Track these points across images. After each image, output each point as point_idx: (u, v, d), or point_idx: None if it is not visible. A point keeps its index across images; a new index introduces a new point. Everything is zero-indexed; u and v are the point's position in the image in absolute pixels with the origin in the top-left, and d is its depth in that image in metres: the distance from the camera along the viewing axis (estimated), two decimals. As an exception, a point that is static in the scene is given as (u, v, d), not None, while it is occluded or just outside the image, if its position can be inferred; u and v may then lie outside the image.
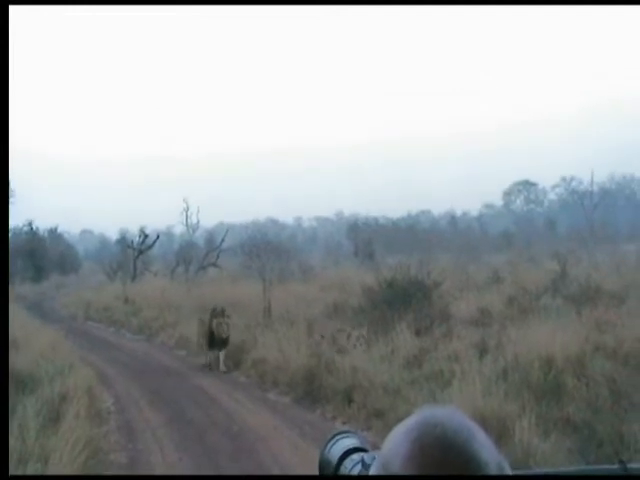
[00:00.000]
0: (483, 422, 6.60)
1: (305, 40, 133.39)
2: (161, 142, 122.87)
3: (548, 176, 77.89)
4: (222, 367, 12.21)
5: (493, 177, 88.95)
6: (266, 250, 32.79)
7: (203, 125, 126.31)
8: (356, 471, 1.03)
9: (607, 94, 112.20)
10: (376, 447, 0.88)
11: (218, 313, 12.57)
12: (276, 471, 6.64)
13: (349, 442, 1.11)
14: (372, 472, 0.72)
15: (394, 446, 0.69)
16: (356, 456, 1.06)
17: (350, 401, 8.81)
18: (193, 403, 9.92)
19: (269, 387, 10.59)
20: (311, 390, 9.64)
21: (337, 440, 1.13)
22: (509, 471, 0.71)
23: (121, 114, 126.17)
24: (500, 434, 6.48)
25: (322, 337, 11.35)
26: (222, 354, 12.32)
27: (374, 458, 0.96)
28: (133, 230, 36.72)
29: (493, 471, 0.67)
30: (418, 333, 11.40)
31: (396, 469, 0.67)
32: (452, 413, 0.71)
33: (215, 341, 12.42)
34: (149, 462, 7.33)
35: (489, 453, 0.68)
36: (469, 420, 0.72)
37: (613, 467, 1.16)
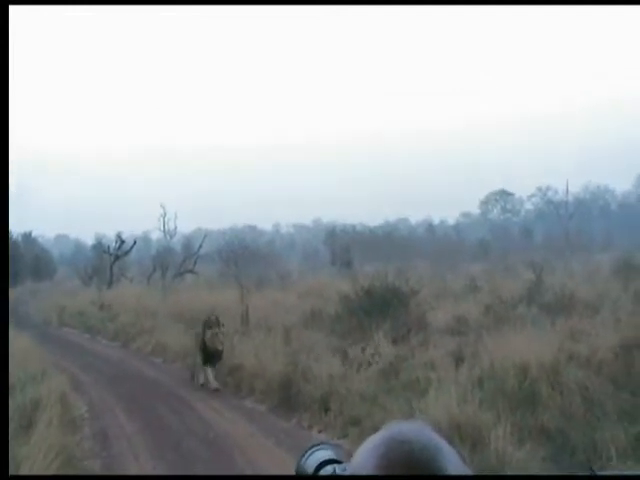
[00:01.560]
0: (458, 430, 6.68)
1: (302, 39, 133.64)
2: (138, 148, 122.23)
3: (524, 186, 78.75)
4: (213, 384, 10.98)
5: (470, 186, 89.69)
6: (244, 256, 32.75)
7: (181, 132, 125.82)
8: None
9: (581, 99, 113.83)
10: (351, 457, 0.89)
11: (213, 323, 11.31)
12: None
13: (324, 454, 1.14)
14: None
15: (362, 461, 0.69)
16: (330, 467, 1.09)
17: (327, 409, 8.81)
18: (169, 410, 9.84)
19: (245, 394, 10.54)
20: (288, 398, 9.62)
21: (313, 452, 1.16)
22: None
23: (98, 118, 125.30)
24: (475, 442, 6.52)
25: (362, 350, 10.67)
26: (211, 370, 11.12)
27: (345, 469, 1.01)
28: (109, 235, 36.44)
29: (461, 468, 0.69)
30: (395, 341, 11.44)
31: None
32: (420, 429, 0.72)
33: (209, 354, 11.14)
34: (124, 470, 7.26)
35: (456, 469, 0.69)
36: (437, 436, 0.72)
37: (583, 475, 1.19)
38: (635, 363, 8.49)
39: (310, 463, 1.14)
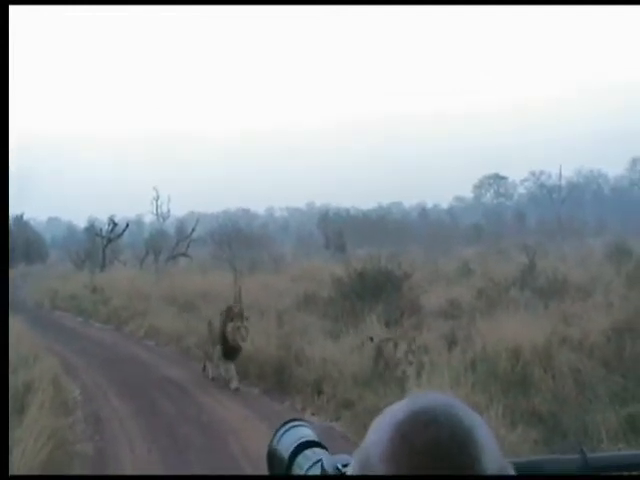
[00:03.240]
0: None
1: (298, 36, 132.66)
2: (131, 131, 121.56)
3: (518, 170, 78.87)
4: (234, 383, 9.72)
5: (464, 170, 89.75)
6: (237, 240, 32.75)
7: (174, 114, 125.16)
8: (315, 473, 0.93)
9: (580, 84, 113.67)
10: (331, 437, 0.81)
11: (235, 315, 9.85)
12: (245, 463, 6.62)
13: (301, 433, 0.99)
14: (350, 471, 0.62)
15: (378, 441, 0.58)
16: (310, 452, 0.95)
17: (320, 392, 8.82)
18: (162, 394, 9.84)
19: (239, 378, 10.54)
20: (281, 381, 9.63)
21: (287, 430, 1.01)
22: (510, 470, 0.61)
23: (92, 104, 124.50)
24: (468, 425, 6.53)
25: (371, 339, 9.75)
26: (232, 366, 9.88)
27: (332, 462, 0.85)
28: (102, 218, 36.30)
29: (496, 457, 0.59)
30: (388, 324, 11.44)
31: (377, 471, 0.57)
32: (450, 406, 0.61)
33: (229, 350, 9.86)
34: (116, 453, 7.26)
35: (489, 458, 0.58)
36: (470, 413, 0.62)
37: (574, 457, 1.15)
38: (626, 346, 8.53)
39: (285, 444, 0.98)
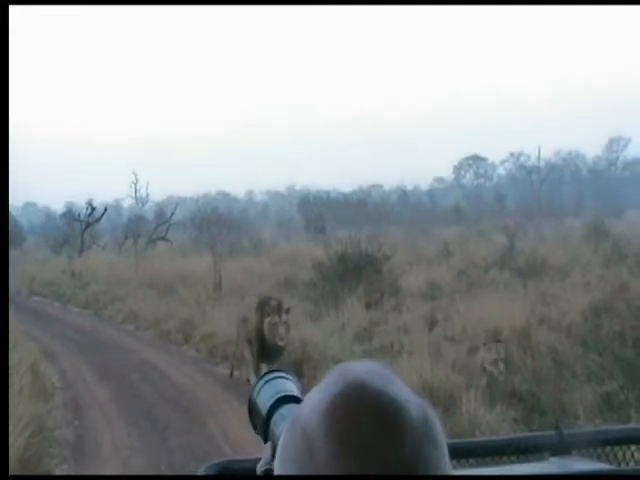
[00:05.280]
0: (431, 393, 6.73)
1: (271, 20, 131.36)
2: (111, 116, 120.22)
3: (497, 151, 79.19)
4: None
5: (443, 152, 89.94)
6: (217, 224, 32.55)
7: (154, 99, 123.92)
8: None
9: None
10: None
11: (273, 308, 8.45)
12: (226, 446, 6.61)
13: (281, 387, 0.93)
14: (285, 434, 0.65)
15: (313, 421, 0.62)
16: (286, 410, 0.88)
17: (300, 374, 8.83)
18: (141, 378, 9.79)
19: (219, 361, 10.53)
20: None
21: (267, 382, 0.95)
22: (432, 413, 0.64)
23: (80, 93, 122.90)
24: (447, 405, 6.59)
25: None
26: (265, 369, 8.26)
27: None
28: (80, 203, 35.89)
29: (414, 410, 0.62)
30: (368, 306, 11.49)
31: (311, 423, 0.61)
32: (381, 375, 0.66)
33: (267, 350, 8.49)
34: (96, 438, 7.22)
35: (409, 394, 0.64)
36: (387, 369, 0.67)
37: (550, 433, 1.20)
38: (603, 325, 8.63)
39: (265, 397, 0.92)
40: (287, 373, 0.97)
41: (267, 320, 8.38)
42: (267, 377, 0.95)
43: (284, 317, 8.40)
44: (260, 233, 34.30)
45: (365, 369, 0.65)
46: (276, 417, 0.89)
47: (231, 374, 9.35)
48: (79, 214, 32.05)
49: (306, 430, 0.61)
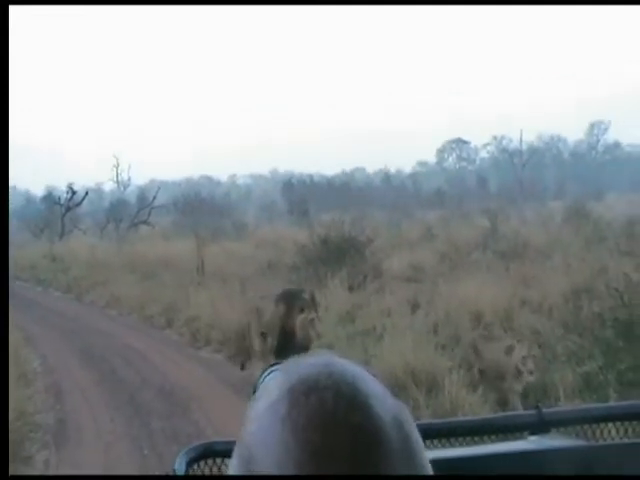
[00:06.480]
0: (413, 376, 6.75)
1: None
2: (93, 98, 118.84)
3: (480, 135, 79.34)
4: None
5: (427, 135, 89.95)
6: (199, 208, 32.43)
7: (138, 82, 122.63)
8: None
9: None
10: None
11: (306, 303, 7.70)
12: (210, 430, 6.60)
13: None
14: (233, 470, 0.52)
15: (258, 431, 0.51)
16: None
17: (284, 357, 8.81)
18: (124, 362, 9.75)
19: (202, 345, 10.51)
20: (244, 347, 9.60)
21: (271, 372, 0.90)
22: (406, 414, 0.54)
23: (69, 85, 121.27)
24: (430, 387, 6.63)
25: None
26: None
27: None
28: (61, 187, 35.55)
29: (388, 417, 0.51)
30: (351, 289, 11.50)
31: (264, 462, 0.49)
32: (326, 365, 0.53)
33: (294, 346, 7.50)
34: (78, 423, 7.19)
35: (379, 402, 0.51)
36: (348, 365, 0.54)
37: (530, 412, 1.21)
38: (584, 306, 8.70)
39: None
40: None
41: (302, 316, 7.61)
42: (274, 368, 0.92)
43: (314, 313, 7.73)
44: (243, 217, 34.22)
45: (310, 365, 0.53)
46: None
47: (242, 367, 8.59)
48: (59, 198, 31.74)
49: (254, 467, 0.50)
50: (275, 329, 7.79)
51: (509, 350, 6.56)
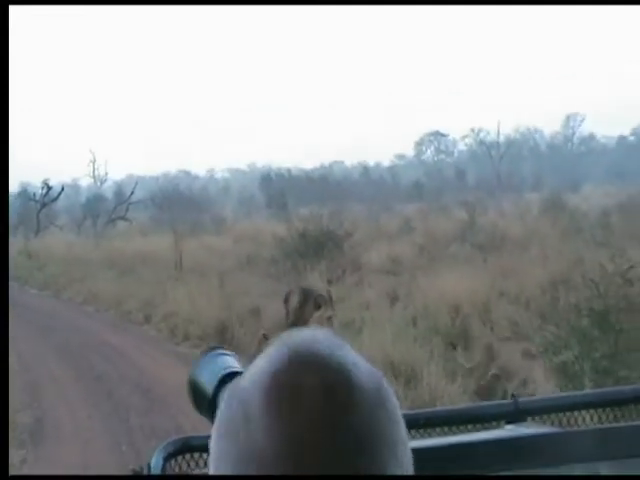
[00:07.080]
0: (392, 367, 6.77)
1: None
2: (70, 93, 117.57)
3: (458, 127, 79.74)
4: None
5: (405, 128, 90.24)
6: (177, 203, 32.22)
7: (116, 76, 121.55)
8: None
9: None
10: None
11: (322, 300, 7.58)
12: (188, 425, 6.57)
13: (225, 363, 0.87)
14: (221, 408, 0.58)
15: (252, 373, 0.57)
16: None
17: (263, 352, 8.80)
18: (102, 359, 9.66)
19: (180, 340, 10.44)
20: (223, 342, 9.57)
21: (210, 359, 0.89)
22: (386, 382, 0.59)
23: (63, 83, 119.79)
24: (409, 378, 6.65)
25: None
26: None
27: None
28: (35, 183, 35.11)
29: (365, 376, 0.56)
30: (330, 282, 11.49)
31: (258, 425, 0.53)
32: (316, 332, 0.60)
33: None
34: (56, 421, 7.12)
35: (360, 360, 0.58)
36: (332, 338, 0.60)
37: (506, 402, 1.23)
38: (560, 297, 8.78)
39: (208, 376, 0.86)
40: (226, 349, 0.92)
41: (317, 314, 7.52)
42: (209, 354, 0.90)
43: (330, 311, 7.63)
44: (221, 211, 34.08)
45: (310, 335, 0.59)
46: (223, 394, 0.84)
47: None
48: (34, 194, 31.36)
49: (244, 401, 0.56)
50: (286, 328, 7.29)
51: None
